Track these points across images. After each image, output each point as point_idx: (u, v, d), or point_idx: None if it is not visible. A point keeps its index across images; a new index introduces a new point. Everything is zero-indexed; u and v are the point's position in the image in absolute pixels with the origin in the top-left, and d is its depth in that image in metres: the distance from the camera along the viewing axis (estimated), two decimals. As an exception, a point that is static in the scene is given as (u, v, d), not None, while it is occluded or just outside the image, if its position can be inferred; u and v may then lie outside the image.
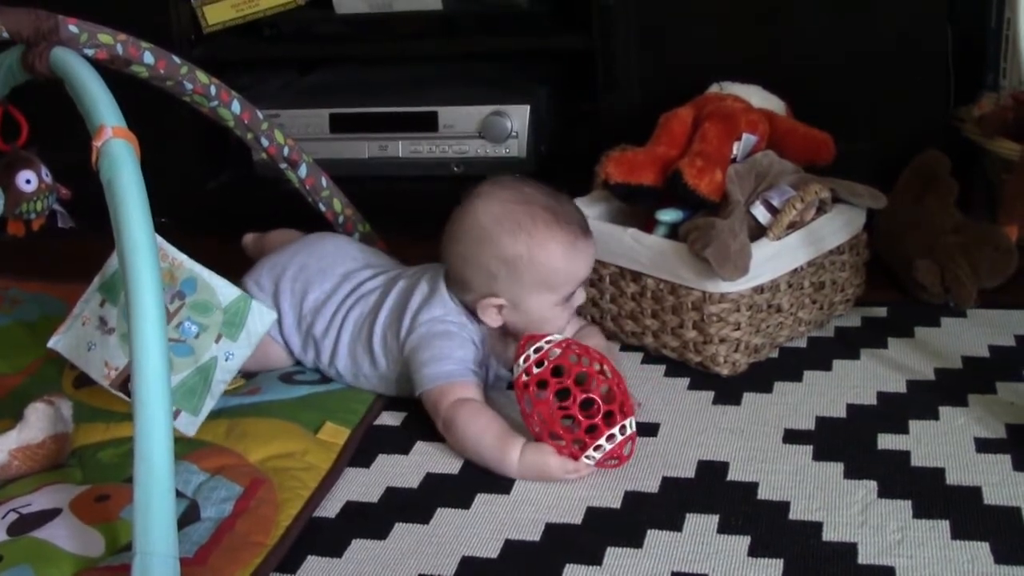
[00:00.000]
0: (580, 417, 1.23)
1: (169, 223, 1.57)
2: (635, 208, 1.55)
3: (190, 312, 1.28)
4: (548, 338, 1.29)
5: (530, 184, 1.37)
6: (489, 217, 1.33)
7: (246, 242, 1.73)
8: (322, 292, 1.46)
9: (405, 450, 1.33)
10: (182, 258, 1.30)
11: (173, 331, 1.26)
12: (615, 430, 1.23)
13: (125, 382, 1.26)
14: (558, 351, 1.27)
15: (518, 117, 1.90)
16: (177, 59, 1.41)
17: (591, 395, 1.23)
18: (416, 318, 1.37)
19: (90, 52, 1.27)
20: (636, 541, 1.13)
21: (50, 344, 1.30)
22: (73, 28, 1.25)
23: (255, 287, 1.48)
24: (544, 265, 1.32)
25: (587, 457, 1.23)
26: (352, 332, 1.42)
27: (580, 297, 1.39)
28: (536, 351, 1.27)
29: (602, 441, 1.22)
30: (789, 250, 1.43)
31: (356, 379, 1.44)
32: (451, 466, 1.29)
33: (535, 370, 1.26)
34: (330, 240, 1.55)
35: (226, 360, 1.29)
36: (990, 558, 1.06)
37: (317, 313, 1.45)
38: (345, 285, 1.46)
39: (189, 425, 1.26)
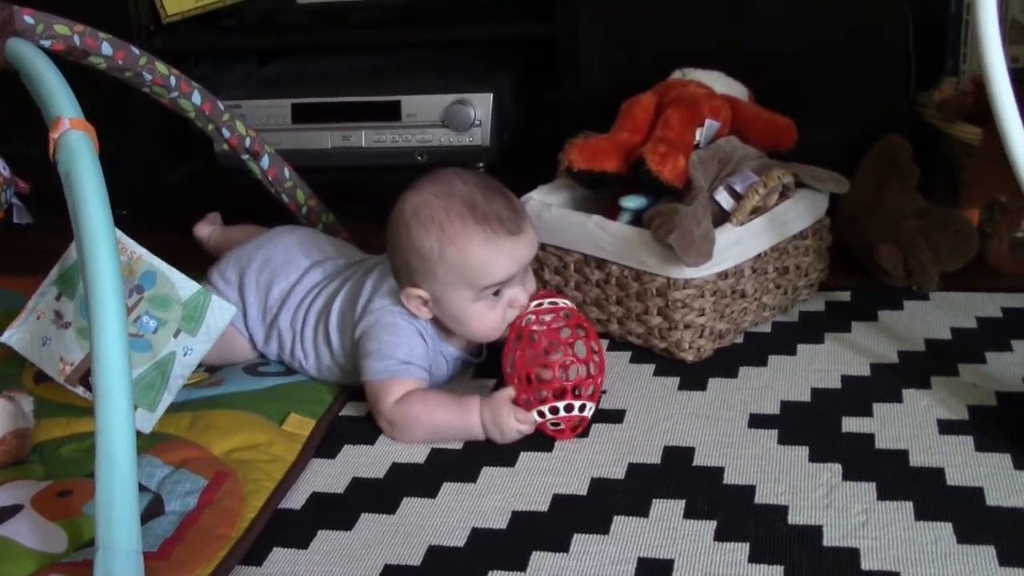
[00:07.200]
0: (556, 374, 1.27)
1: (129, 215, 1.56)
2: (599, 195, 1.55)
3: (148, 306, 1.27)
4: (565, 300, 1.34)
5: (466, 177, 1.32)
6: (410, 208, 1.31)
7: (203, 235, 1.72)
8: (287, 284, 1.45)
9: (371, 441, 1.32)
10: (141, 251, 1.29)
11: (131, 325, 1.25)
12: (575, 404, 1.27)
13: (82, 377, 1.25)
14: (567, 317, 1.31)
15: (481, 106, 1.90)
16: (136, 50, 1.40)
17: (576, 361, 1.28)
18: (368, 304, 1.36)
19: (47, 43, 1.26)
20: (603, 527, 1.13)
21: (2, 339, 1.28)
22: (29, 19, 1.24)
23: (220, 280, 1.48)
24: (455, 260, 1.28)
25: (539, 413, 1.27)
26: (313, 324, 1.42)
27: (518, 297, 1.33)
28: (551, 303, 1.32)
29: (560, 406, 1.27)
30: (752, 235, 1.44)
31: (319, 371, 1.43)
32: (417, 456, 1.28)
33: (534, 318, 1.30)
34: (295, 233, 1.54)
35: (184, 355, 1.28)
36: (953, 538, 1.07)
37: (282, 305, 1.44)
38: (309, 277, 1.46)
39: (145, 422, 1.25)
